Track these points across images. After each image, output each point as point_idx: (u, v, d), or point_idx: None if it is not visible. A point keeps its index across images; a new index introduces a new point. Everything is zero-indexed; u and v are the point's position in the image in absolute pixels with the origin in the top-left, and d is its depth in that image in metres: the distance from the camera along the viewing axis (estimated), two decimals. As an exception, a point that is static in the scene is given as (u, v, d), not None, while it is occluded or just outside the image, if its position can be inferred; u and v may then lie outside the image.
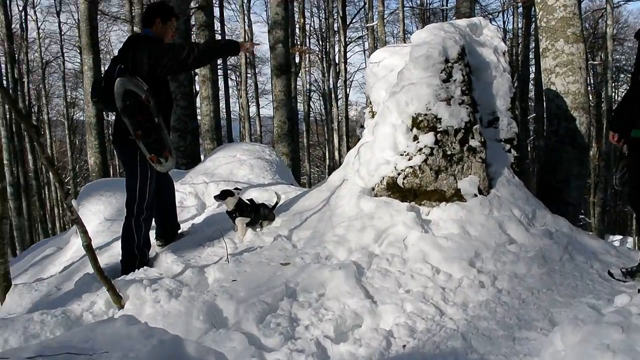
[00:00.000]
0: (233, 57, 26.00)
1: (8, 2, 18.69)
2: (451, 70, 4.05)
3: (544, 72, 5.73)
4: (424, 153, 3.93)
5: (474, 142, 4.04)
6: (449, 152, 3.97)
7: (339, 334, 2.87)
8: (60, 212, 27.26)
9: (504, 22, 26.42)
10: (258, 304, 3.00)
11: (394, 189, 4.04)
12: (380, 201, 3.95)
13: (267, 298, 3.09)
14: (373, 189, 4.13)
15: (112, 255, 4.30)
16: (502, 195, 4.08)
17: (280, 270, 3.47)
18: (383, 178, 4.06)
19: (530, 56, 17.37)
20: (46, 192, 27.11)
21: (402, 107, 4.01)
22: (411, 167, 3.96)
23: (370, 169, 4.10)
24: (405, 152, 4.00)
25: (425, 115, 3.96)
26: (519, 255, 3.60)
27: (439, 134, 3.95)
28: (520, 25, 21.26)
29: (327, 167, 28.94)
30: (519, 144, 4.57)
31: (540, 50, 5.76)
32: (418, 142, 3.95)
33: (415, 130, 3.99)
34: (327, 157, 28.68)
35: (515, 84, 13.00)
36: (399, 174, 4.00)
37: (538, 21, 5.80)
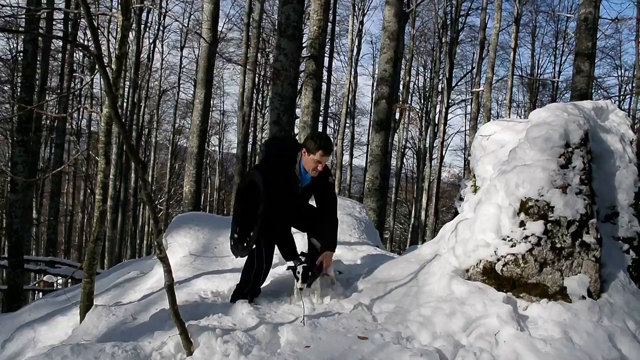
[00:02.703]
0: (334, 105, 26.59)
1: (141, 35, 20.45)
2: (571, 156, 3.72)
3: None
4: (529, 242, 3.58)
5: (588, 238, 3.63)
6: (558, 245, 3.59)
7: None
8: (150, 230, 28.66)
9: (619, 102, 25.02)
10: (329, 380, 2.79)
11: (490, 275, 3.71)
12: (474, 286, 3.63)
13: (340, 374, 2.87)
14: (467, 270, 3.82)
15: (190, 293, 4.30)
16: (615, 302, 3.61)
17: (356, 344, 3.24)
18: (480, 261, 3.75)
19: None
20: (140, 210, 28.72)
21: (512, 188, 3.71)
22: (513, 254, 3.62)
23: (467, 249, 3.81)
24: (508, 237, 3.67)
25: (537, 201, 3.63)
26: (631, 378, 3.11)
27: (550, 224, 3.59)
28: None
29: (411, 225, 28.30)
30: (639, 244, 4.08)
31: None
32: (524, 229, 3.62)
33: (522, 216, 3.66)
34: (412, 215, 28.07)
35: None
36: (498, 260, 3.67)
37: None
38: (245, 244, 4.05)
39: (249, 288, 4.06)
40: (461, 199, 4.72)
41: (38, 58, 11.32)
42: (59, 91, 18.45)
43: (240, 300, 3.91)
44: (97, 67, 3.04)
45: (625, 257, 4.00)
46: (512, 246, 3.64)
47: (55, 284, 12.85)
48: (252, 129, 24.25)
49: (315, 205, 4.35)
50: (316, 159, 3.95)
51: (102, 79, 2.48)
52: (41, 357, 2.93)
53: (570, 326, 3.37)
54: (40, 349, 3.93)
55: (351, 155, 27.39)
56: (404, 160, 31.43)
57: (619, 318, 3.50)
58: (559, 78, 28.37)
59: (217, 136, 37.22)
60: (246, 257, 4.14)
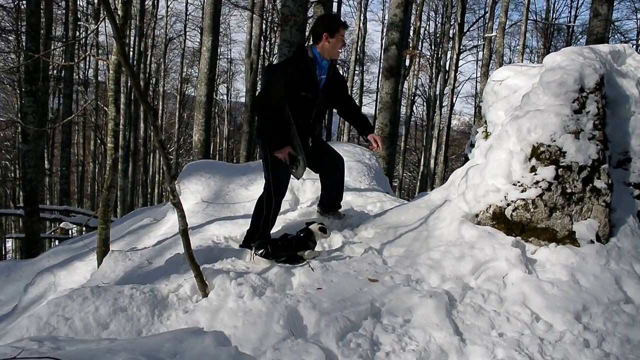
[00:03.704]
0: (343, 52, 26.18)
1: (144, -21, 19.97)
2: (585, 101, 3.67)
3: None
4: (540, 187, 3.60)
5: (599, 183, 3.64)
6: (568, 190, 3.60)
7: (420, 369, 2.68)
8: (161, 179, 28.97)
9: (637, 46, 24.34)
10: (341, 320, 2.88)
11: (500, 220, 3.75)
12: (484, 230, 3.68)
13: (351, 315, 2.95)
14: (477, 215, 3.86)
15: (203, 238, 4.38)
16: (623, 246, 3.65)
17: (367, 286, 3.33)
18: (490, 206, 3.78)
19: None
20: (151, 159, 28.92)
21: (524, 133, 3.69)
22: (523, 199, 3.64)
23: (477, 194, 3.83)
24: (519, 182, 3.68)
25: (549, 146, 3.61)
26: (635, 319, 3.18)
27: (561, 169, 3.59)
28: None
29: (420, 173, 28.33)
30: (650, 190, 4.07)
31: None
32: (535, 174, 3.62)
33: (534, 161, 3.66)
34: (422, 163, 28.04)
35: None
36: (508, 205, 3.70)
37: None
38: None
39: (259, 234, 4.15)
40: (472, 145, 4.71)
41: (42, 6, 11.14)
42: (64, 40, 18.23)
43: (248, 250, 3.99)
44: (102, 13, 2.99)
45: (636, 202, 4.00)
46: (522, 191, 3.66)
47: (70, 232, 13.14)
48: (261, 77, 23.98)
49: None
50: (341, 36, 3.97)
51: (110, 24, 2.45)
52: (63, 298, 3.04)
53: (577, 269, 3.43)
54: (62, 291, 4.08)
55: (360, 102, 27.12)
56: (414, 107, 31.15)
57: (626, 262, 3.55)
58: (575, 22, 27.51)
59: (225, 85, 36.90)
60: (256, 202, 4.23)
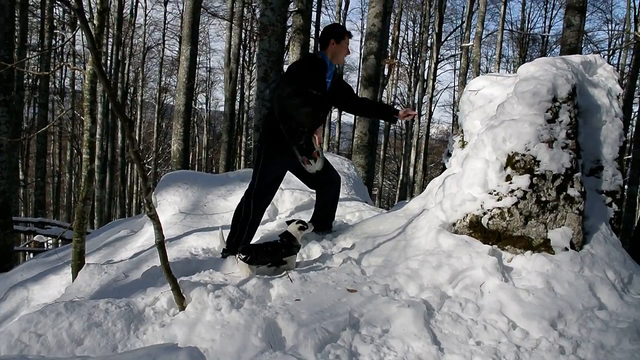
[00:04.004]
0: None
1: (122, -12, 19.82)
2: (558, 111, 3.74)
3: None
4: (515, 195, 3.65)
5: (572, 191, 3.70)
6: (543, 199, 3.66)
7: (399, 380, 2.68)
8: (139, 189, 28.60)
9: (609, 57, 24.93)
10: (319, 331, 2.87)
11: (476, 229, 3.79)
12: (461, 239, 3.71)
13: (329, 326, 2.95)
14: (454, 224, 3.89)
15: (181, 250, 4.33)
16: (596, 253, 3.72)
17: (345, 296, 3.32)
18: (467, 215, 3.82)
19: (635, 95, 16.24)
20: (128, 169, 28.58)
21: (499, 143, 3.74)
22: (499, 208, 3.69)
23: (454, 203, 3.87)
24: (495, 191, 3.73)
25: (523, 155, 3.67)
26: (609, 324, 3.23)
27: (535, 178, 3.65)
28: (628, 62, 19.94)
29: (400, 181, 28.51)
30: (622, 198, 4.16)
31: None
32: (511, 183, 3.67)
33: (509, 170, 3.71)
34: (401, 172, 28.23)
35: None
36: (484, 214, 3.74)
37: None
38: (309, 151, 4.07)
39: (236, 237, 4.16)
40: (449, 154, 4.76)
41: (16, 14, 10.96)
42: (39, 49, 17.97)
43: (232, 256, 3.96)
44: (78, 22, 2.96)
45: (608, 209, 4.09)
46: (498, 200, 3.70)
47: (45, 244, 12.88)
48: (240, 86, 23.92)
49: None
50: (346, 43, 4.17)
51: (84, 35, 2.42)
52: (35, 314, 2.97)
53: (552, 276, 3.48)
54: (35, 307, 3.99)
55: (339, 112, 27.19)
56: (393, 116, 31.31)
57: (599, 268, 3.61)
58: (549, 32, 28.14)
59: (204, 94, 36.73)
60: (237, 206, 4.27)
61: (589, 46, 25.75)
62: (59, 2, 17.90)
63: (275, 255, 3.77)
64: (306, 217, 4.57)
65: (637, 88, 16.68)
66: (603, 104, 4.19)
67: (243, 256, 3.67)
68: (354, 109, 4.63)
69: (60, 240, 12.21)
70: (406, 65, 29.07)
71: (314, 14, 18.76)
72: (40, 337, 2.83)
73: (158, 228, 3.01)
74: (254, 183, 4.18)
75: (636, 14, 19.86)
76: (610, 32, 28.28)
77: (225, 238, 4.23)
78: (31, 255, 12.34)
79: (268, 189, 4.25)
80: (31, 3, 16.15)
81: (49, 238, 12.20)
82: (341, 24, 22.51)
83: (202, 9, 12.71)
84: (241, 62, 22.44)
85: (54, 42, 18.40)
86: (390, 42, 22.02)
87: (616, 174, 4.14)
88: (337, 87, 4.33)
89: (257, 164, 4.20)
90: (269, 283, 3.50)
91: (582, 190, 3.76)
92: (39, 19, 18.07)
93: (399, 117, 4.42)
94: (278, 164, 4.20)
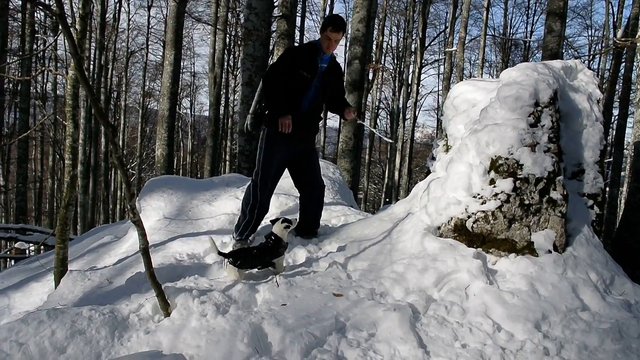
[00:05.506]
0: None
1: (105, -7, 19.64)
2: (540, 115, 3.79)
3: (637, 124, 5.32)
4: (499, 199, 3.68)
5: (555, 194, 3.75)
6: (526, 202, 3.70)
7: (386, 384, 2.68)
8: (122, 194, 28.31)
9: (589, 62, 25.35)
10: (305, 336, 2.87)
11: (461, 232, 3.81)
12: (446, 243, 3.74)
13: (316, 330, 2.94)
14: (439, 228, 3.92)
15: (165, 256, 4.30)
16: (579, 255, 3.77)
17: (332, 301, 3.32)
18: (451, 218, 3.84)
19: (615, 99, 16.53)
20: (112, 175, 28.28)
21: (482, 147, 3.78)
22: (483, 211, 3.72)
23: (439, 207, 3.90)
24: (479, 194, 3.76)
25: (507, 159, 3.71)
26: (592, 325, 3.28)
27: (519, 181, 3.69)
28: (608, 67, 20.28)
29: (385, 185, 28.61)
30: (603, 200, 4.23)
31: (637, 99, 5.36)
32: (494, 187, 3.71)
33: (492, 174, 3.75)
34: (386, 175, 28.33)
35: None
36: (469, 217, 3.77)
37: (638, 69, 5.40)
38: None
39: (245, 222, 4.42)
40: (433, 159, 4.79)
41: (-4, 18, 10.83)
42: (20, 53, 17.73)
43: (217, 262, 3.94)
44: (60, 27, 2.93)
45: (590, 212, 4.15)
46: (482, 203, 3.73)
47: (27, 251, 12.67)
48: (224, 91, 23.84)
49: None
50: (327, 35, 4.26)
51: (66, 40, 2.40)
52: (17, 323, 2.92)
53: (536, 279, 3.51)
54: (16, 315, 3.92)
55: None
56: (378, 120, 31.48)
57: (582, 270, 3.66)
58: (531, 38, 28.47)
59: (189, 99, 36.54)
60: (244, 192, 4.56)
61: (569, 51, 26.16)
62: (40, 7, 17.71)
63: (263, 258, 3.78)
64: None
65: (616, 92, 16.98)
66: (584, 108, 4.26)
67: (233, 261, 3.66)
68: (328, 102, 4.70)
69: (42, 247, 12.02)
70: (390, 70, 29.25)
71: (298, 19, 18.79)
72: (22, 346, 2.78)
73: (142, 234, 2.99)
74: (258, 172, 4.37)
75: (614, 20, 20.23)
76: (590, 37, 28.75)
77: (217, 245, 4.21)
78: (12, 263, 12.13)
79: (270, 179, 4.41)
80: (11, 7, 15.94)
81: (30, 245, 12.00)
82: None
83: (186, 13, 12.66)
84: (226, 66, 22.38)
85: (35, 46, 18.16)
86: (374, 46, 22.14)
87: (597, 177, 4.20)
88: (331, 75, 4.45)
89: (259, 148, 4.41)
90: (255, 288, 3.49)
91: (565, 193, 3.81)
92: (20, 23, 17.84)
93: (346, 116, 4.58)
94: (278, 145, 4.35)
